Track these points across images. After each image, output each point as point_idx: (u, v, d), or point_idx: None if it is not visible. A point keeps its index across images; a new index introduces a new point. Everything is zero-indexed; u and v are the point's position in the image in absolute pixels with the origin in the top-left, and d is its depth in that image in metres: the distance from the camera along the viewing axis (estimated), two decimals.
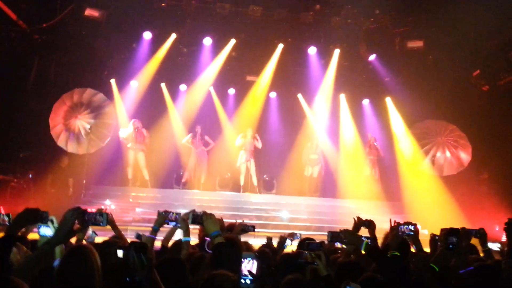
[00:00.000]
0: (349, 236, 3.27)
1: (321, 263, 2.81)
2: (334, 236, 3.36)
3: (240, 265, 2.23)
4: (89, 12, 10.77)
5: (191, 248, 3.59)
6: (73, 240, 2.88)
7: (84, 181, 10.15)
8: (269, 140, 12.13)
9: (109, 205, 9.26)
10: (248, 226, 4.30)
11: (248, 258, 2.26)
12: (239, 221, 4.57)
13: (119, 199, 9.97)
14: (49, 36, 10.72)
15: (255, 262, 2.24)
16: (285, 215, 10.29)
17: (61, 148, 10.60)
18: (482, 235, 3.79)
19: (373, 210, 9.90)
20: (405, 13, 11.18)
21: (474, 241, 3.80)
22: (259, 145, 11.45)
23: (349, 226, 3.93)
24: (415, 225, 3.78)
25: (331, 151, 12.46)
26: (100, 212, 2.43)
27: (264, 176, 12.09)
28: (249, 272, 2.21)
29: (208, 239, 3.46)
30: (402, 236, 3.61)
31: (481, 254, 3.84)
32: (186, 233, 3.44)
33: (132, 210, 9.57)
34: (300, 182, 11.93)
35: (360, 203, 10.75)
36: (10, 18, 9.92)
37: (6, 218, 3.24)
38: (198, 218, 3.03)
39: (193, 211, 3.46)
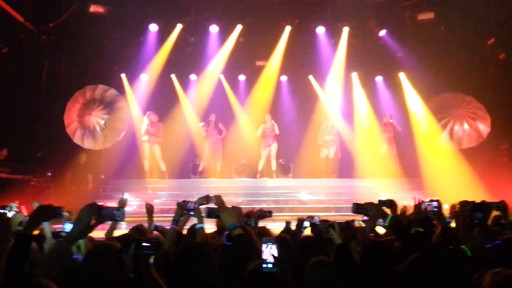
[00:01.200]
0: (374, 208, 3.21)
1: (334, 232, 2.92)
2: (359, 207, 3.32)
3: (260, 254, 2.22)
4: (94, 8, 10.79)
5: (210, 237, 3.59)
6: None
7: (102, 176, 10.27)
8: (283, 124, 12.06)
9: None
10: (265, 211, 4.29)
11: (267, 243, 2.25)
12: (257, 207, 4.56)
13: (138, 192, 10.07)
14: (57, 35, 10.78)
15: (275, 247, 2.23)
16: (304, 197, 10.28)
17: (78, 145, 10.73)
18: (503, 207, 3.70)
19: (392, 187, 9.83)
20: None
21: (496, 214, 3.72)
22: (276, 130, 11.43)
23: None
24: (438, 201, 3.71)
25: (346, 130, 12.34)
26: (117, 207, 2.43)
27: (280, 160, 12.05)
28: (273, 256, 2.20)
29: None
30: (425, 213, 3.56)
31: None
32: (200, 220, 3.44)
33: (151, 201, 9.62)
34: (316, 164, 11.88)
35: (378, 182, 10.66)
36: (18, 20, 9.97)
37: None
38: (214, 211, 3.01)
39: (207, 196, 3.46)
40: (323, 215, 6.59)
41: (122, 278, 2.06)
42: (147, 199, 9.54)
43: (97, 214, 2.30)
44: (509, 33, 10.68)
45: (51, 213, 2.45)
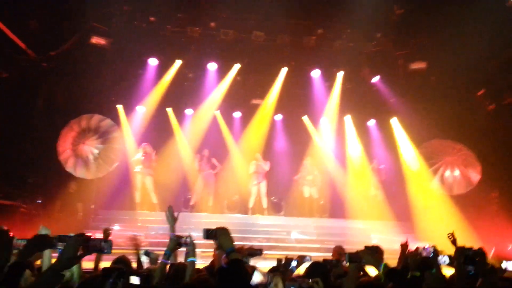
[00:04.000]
0: (368, 256, 3.24)
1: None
2: (352, 257, 3.32)
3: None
4: (95, 40, 10.99)
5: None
6: None
7: (93, 206, 10.14)
8: (276, 162, 12.13)
9: (116, 229, 9.22)
10: (255, 250, 4.23)
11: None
12: (248, 244, 4.54)
13: (127, 223, 9.94)
14: (57, 63, 10.90)
15: None
16: (295, 236, 10.21)
17: (69, 173, 10.63)
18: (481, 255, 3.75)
19: (384, 230, 9.83)
20: (407, 35, 11.28)
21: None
22: (266, 167, 11.51)
23: (360, 246, 3.91)
24: (434, 247, 3.77)
25: (338, 172, 12.43)
26: (105, 239, 2.41)
27: (272, 198, 12.04)
28: None
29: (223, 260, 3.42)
30: (422, 256, 3.59)
31: None
32: (193, 253, 3.41)
33: (141, 234, 9.50)
34: (308, 203, 11.88)
35: (370, 224, 10.67)
36: (19, 47, 10.12)
37: (22, 243, 3.24)
38: (212, 233, 2.92)
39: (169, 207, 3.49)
40: (314, 255, 6.53)
41: None
42: (136, 232, 9.44)
43: (84, 245, 2.28)
44: (499, 85, 11.03)
45: (46, 243, 2.43)
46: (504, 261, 4.78)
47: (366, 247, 3.84)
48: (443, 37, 10.63)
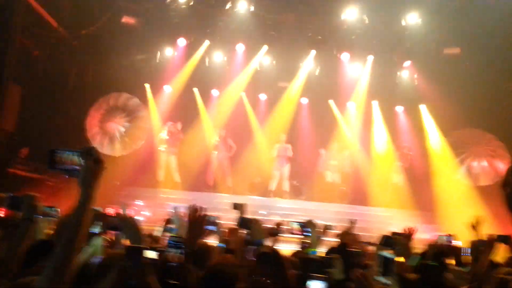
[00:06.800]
0: (403, 247, 3.22)
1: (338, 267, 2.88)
2: (388, 241, 3.31)
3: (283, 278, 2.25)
4: (126, 19, 11.13)
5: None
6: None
7: (118, 183, 10.40)
8: (300, 146, 12.09)
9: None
10: (274, 229, 4.31)
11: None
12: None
13: (150, 200, 10.16)
14: (88, 42, 11.11)
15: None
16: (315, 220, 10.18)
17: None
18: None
19: (404, 219, 9.70)
20: (442, 19, 10.93)
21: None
22: (289, 153, 11.48)
23: (377, 234, 3.88)
24: (453, 236, 3.74)
25: (363, 157, 12.30)
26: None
27: (294, 182, 12.03)
28: None
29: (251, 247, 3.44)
30: (439, 247, 3.57)
31: None
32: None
33: (162, 211, 9.71)
34: (330, 188, 11.83)
35: (390, 212, 10.55)
36: (51, 25, 10.34)
37: (54, 212, 3.38)
38: (248, 222, 3.09)
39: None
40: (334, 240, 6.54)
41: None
42: (158, 209, 9.65)
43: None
44: None
45: None
46: None
47: (395, 233, 3.73)
48: (479, 23, 10.24)
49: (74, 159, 1.83)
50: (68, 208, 3.11)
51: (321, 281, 2.25)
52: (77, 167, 1.78)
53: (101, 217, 3.29)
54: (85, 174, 1.72)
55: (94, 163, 1.72)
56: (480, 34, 10.46)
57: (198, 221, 2.84)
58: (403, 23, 11.28)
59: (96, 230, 3.18)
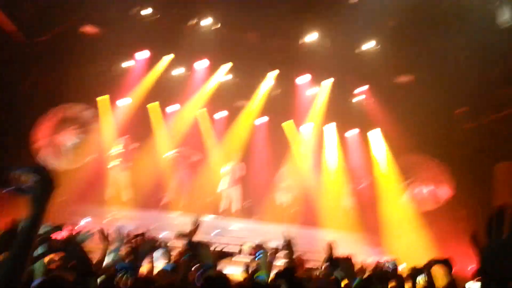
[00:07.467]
0: (347, 267, 3.29)
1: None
2: (333, 262, 3.37)
3: None
4: (87, 28, 10.90)
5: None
6: None
7: (64, 198, 9.98)
8: (254, 165, 12.15)
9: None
10: (226, 253, 4.28)
11: None
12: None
13: (98, 218, 9.81)
14: (45, 49, 10.74)
15: None
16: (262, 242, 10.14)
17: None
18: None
19: (351, 241, 9.91)
20: (396, 46, 11.40)
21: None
22: (240, 172, 11.48)
23: (323, 256, 3.95)
24: (396, 260, 3.87)
25: (315, 179, 12.51)
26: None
27: (246, 202, 12.00)
28: None
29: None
30: (382, 271, 3.69)
31: None
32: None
33: (110, 229, 9.38)
34: (281, 209, 11.91)
35: (338, 234, 10.72)
36: (10, 28, 9.93)
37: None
38: (196, 245, 3.06)
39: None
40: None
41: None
42: (106, 227, 9.30)
43: None
44: (480, 104, 11.12)
45: None
46: (469, 282, 4.90)
47: (339, 258, 3.84)
48: (431, 52, 10.73)
49: (25, 177, 1.79)
50: (5, 224, 3.02)
51: None
52: (28, 185, 1.74)
53: (46, 240, 3.17)
54: (37, 192, 1.69)
55: (46, 181, 1.69)
56: (432, 62, 10.93)
57: (139, 246, 2.86)
58: (363, 48, 11.65)
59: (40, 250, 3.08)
